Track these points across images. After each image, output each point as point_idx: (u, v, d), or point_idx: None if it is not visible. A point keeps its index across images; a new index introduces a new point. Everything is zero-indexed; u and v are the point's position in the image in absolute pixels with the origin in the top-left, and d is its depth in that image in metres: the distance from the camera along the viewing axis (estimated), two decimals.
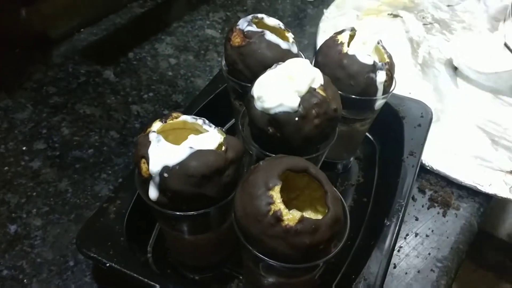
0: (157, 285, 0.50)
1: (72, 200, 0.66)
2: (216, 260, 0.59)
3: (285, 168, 0.43)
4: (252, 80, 0.55)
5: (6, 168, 0.70)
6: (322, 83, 0.53)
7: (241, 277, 0.59)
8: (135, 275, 0.51)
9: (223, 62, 0.65)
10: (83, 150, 0.74)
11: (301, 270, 0.46)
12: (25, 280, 0.57)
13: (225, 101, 0.70)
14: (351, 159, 0.75)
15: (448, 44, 1.00)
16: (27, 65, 0.88)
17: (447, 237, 0.66)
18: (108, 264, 0.52)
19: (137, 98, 0.83)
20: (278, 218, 0.40)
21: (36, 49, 0.92)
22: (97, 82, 0.86)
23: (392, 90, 0.63)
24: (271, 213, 0.40)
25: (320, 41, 0.98)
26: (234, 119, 0.73)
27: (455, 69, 0.93)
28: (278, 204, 0.41)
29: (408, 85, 0.88)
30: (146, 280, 0.50)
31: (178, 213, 0.46)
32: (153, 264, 0.58)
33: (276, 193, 0.41)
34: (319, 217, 0.42)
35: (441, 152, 0.76)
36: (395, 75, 0.63)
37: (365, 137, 0.76)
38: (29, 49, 0.91)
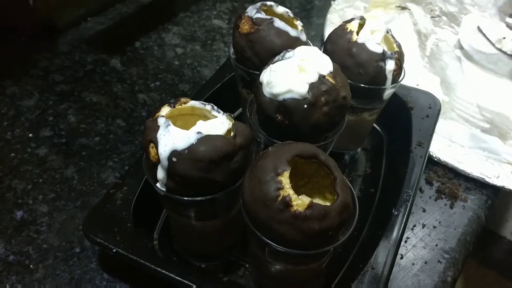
0: (163, 270, 0.50)
1: (78, 187, 0.66)
2: (222, 248, 0.59)
3: (294, 153, 0.43)
4: (261, 68, 0.55)
5: (12, 154, 0.70)
6: (332, 70, 0.52)
7: (247, 265, 0.58)
8: (141, 261, 0.51)
9: (231, 50, 0.64)
10: (89, 138, 0.73)
11: (308, 257, 0.45)
12: (31, 266, 0.57)
13: (232, 90, 0.69)
14: (359, 150, 0.74)
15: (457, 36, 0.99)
16: (33, 53, 0.88)
17: (454, 229, 0.66)
18: (114, 250, 0.51)
19: (144, 87, 0.83)
20: (287, 203, 0.40)
21: (43, 37, 0.92)
22: (103, 70, 0.86)
23: (401, 79, 0.63)
24: (280, 198, 0.40)
25: (327, 32, 0.97)
26: (241, 108, 0.73)
27: (462, 58, 0.92)
28: (287, 190, 0.41)
29: (415, 77, 0.87)
30: (152, 266, 0.50)
31: (186, 198, 0.46)
32: (159, 251, 0.58)
33: (285, 179, 0.41)
34: (328, 204, 0.42)
35: (448, 144, 0.75)
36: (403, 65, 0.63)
37: (373, 128, 0.75)
38: (36, 37, 0.91)
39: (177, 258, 0.59)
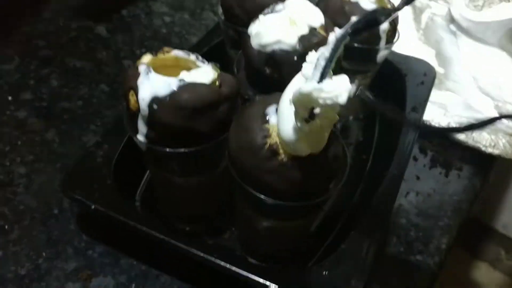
0: (145, 227, 0.47)
1: (58, 150, 0.64)
2: (207, 208, 0.56)
3: None
4: (248, 25, 0.52)
5: None
6: (323, 23, 0.50)
7: (233, 228, 0.56)
8: (121, 218, 0.48)
9: (220, 10, 0.62)
10: (71, 102, 0.70)
11: (296, 210, 0.43)
12: (6, 226, 0.54)
13: (221, 54, 0.67)
14: (350, 118, 0.72)
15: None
16: (15, 18, 0.84)
17: (449, 197, 0.64)
18: (93, 207, 0.49)
19: (129, 53, 0.80)
20: (274, 151, 0.38)
21: (26, 2, 0.88)
22: (88, 37, 0.83)
23: (396, 41, 0.61)
24: (267, 146, 0.38)
25: None
26: (229, 72, 0.70)
27: (457, 32, 0.90)
28: (275, 137, 0.38)
29: (410, 49, 0.85)
30: (132, 223, 0.48)
31: (167, 149, 0.44)
32: (141, 212, 0.56)
33: (272, 127, 0.39)
34: None
35: (443, 113, 0.73)
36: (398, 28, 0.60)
37: None
38: (18, 1, 0.88)
39: (160, 221, 0.56)
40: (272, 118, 0.39)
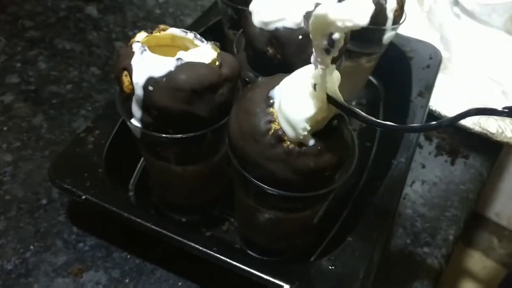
0: (139, 219, 0.44)
1: (46, 136, 0.60)
2: (205, 198, 0.53)
3: None
4: (249, 3, 0.49)
5: None
6: None
7: (232, 220, 0.53)
8: (114, 209, 0.45)
9: None
10: (60, 86, 0.67)
11: (300, 201, 0.40)
12: None
13: (218, 34, 0.63)
14: (354, 102, 0.69)
15: None
16: None
17: (456, 186, 0.62)
18: (84, 197, 0.46)
19: (122, 35, 0.77)
20: (279, 137, 0.34)
21: None
22: (78, 17, 0.79)
23: (403, 21, 0.58)
24: (271, 132, 0.35)
25: None
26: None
27: (460, 15, 0.87)
28: (280, 122, 0.35)
29: (414, 32, 0.82)
30: (126, 214, 0.45)
31: (164, 135, 0.40)
32: (135, 202, 0.52)
33: (277, 111, 0.36)
34: None
35: (449, 99, 0.70)
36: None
37: (369, 81, 0.70)
38: None
39: (155, 212, 0.53)
40: (276, 101, 0.35)
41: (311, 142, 0.34)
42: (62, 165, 0.48)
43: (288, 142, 0.35)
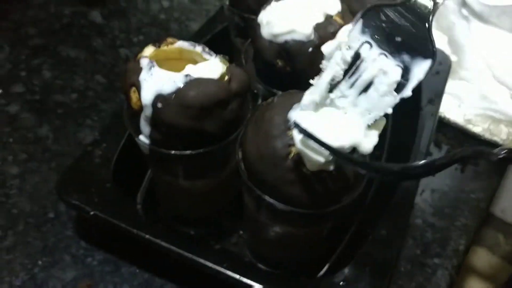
0: (148, 235, 0.44)
1: (53, 148, 0.60)
2: (214, 212, 0.53)
3: None
4: (257, 11, 0.48)
5: None
6: (340, 10, 0.46)
7: (241, 232, 0.53)
8: (122, 225, 0.45)
9: None
10: (66, 95, 0.66)
11: (312, 217, 0.40)
12: None
13: (225, 42, 0.63)
14: None
15: None
16: (4, 4, 0.80)
17: (466, 195, 0.61)
18: (92, 213, 0.45)
19: (126, 41, 0.76)
20: (298, 162, 0.34)
21: None
22: (82, 24, 0.78)
23: None
24: (291, 156, 0.35)
25: None
26: (234, 63, 0.66)
27: (469, 17, 0.86)
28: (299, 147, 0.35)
29: None
30: (135, 230, 0.44)
31: (173, 152, 0.40)
32: (143, 217, 0.52)
33: (297, 134, 0.35)
34: None
35: (458, 105, 0.70)
36: None
37: None
38: None
39: (163, 224, 0.53)
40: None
41: (331, 167, 0.34)
42: (70, 181, 0.48)
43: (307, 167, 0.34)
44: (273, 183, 0.35)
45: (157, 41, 0.42)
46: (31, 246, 0.50)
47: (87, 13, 0.80)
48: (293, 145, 0.34)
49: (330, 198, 0.36)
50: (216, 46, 0.63)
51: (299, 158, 0.34)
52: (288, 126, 0.35)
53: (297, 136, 0.34)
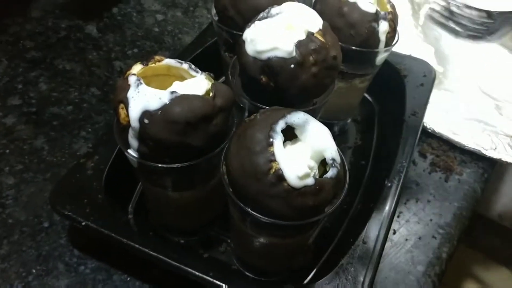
0: (138, 245, 0.46)
1: (48, 158, 0.62)
2: (202, 221, 0.55)
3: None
4: (244, 28, 0.50)
5: None
6: (321, 27, 0.48)
7: (229, 241, 0.54)
8: (113, 235, 0.46)
9: (213, 11, 0.59)
10: (61, 107, 0.68)
11: (297, 228, 0.42)
12: None
13: (215, 55, 0.65)
14: (348, 120, 0.70)
15: None
16: (3, 17, 0.82)
17: (450, 203, 0.62)
18: (84, 223, 0.47)
19: (121, 54, 0.78)
20: (280, 177, 0.36)
21: (14, 1, 0.85)
22: (78, 37, 0.80)
23: (395, 43, 0.59)
24: (272, 171, 0.36)
25: None
26: (224, 76, 0.68)
27: (456, 28, 0.88)
28: (281, 161, 0.36)
29: (408, 47, 0.83)
30: (125, 240, 0.46)
31: (160, 165, 0.42)
32: (134, 226, 0.54)
33: (277, 149, 0.37)
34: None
35: (443, 115, 0.71)
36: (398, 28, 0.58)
37: (363, 97, 0.71)
38: (5, 1, 0.85)
39: (153, 233, 0.54)
40: (276, 140, 0.37)
41: (310, 181, 0.36)
42: (63, 192, 0.50)
43: (288, 181, 0.36)
44: (256, 197, 0.37)
45: (146, 59, 0.44)
46: (26, 254, 0.52)
47: (83, 27, 0.82)
48: (274, 160, 0.36)
49: (312, 210, 0.38)
50: (207, 59, 0.66)
51: (281, 174, 0.36)
52: (269, 142, 0.37)
53: (278, 152, 0.36)
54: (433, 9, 0.93)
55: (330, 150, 0.39)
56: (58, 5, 0.86)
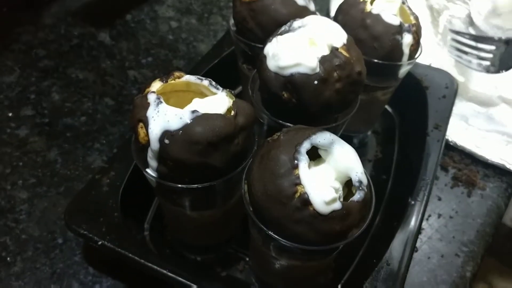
0: (155, 266, 0.44)
1: (61, 172, 0.60)
2: (220, 239, 0.53)
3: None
4: (264, 40, 0.49)
5: None
6: (345, 42, 0.46)
7: (247, 259, 0.53)
8: (130, 255, 0.45)
9: (231, 22, 0.58)
10: (74, 118, 0.67)
11: (322, 252, 0.40)
12: (8, 258, 0.52)
13: (232, 66, 0.63)
14: (369, 133, 0.69)
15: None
16: (15, 26, 0.81)
17: (473, 219, 0.61)
18: (100, 243, 0.46)
19: (135, 63, 0.77)
20: (305, 201, 0.35)
21: (26, 9, 0.84)
22: (91, 45, 0.79)
23: (419, 55, 0.57)
24: (297, 195, 0.35)
25: (334, 3, 0.90)
26: (241, 86, 0.67)
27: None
28: (306, 185, 0.35)
29: (428, 55, 0.81)
30: (142, 261, 0.45)
31: (180, 185, 0.40)
32: (151, 243, 0.52)
33: (303, 172, 0.35)
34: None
35: (465, 128, 0.69)
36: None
37: (384, 109, 0.69)
38: (18, 9, 0.84)
39: (170, 251, 0.53)
40: (301, 162, 0.35)
41: (337, 206, 0.34)
42: (78, 209, 0.49)
43: (314, 206, 0.35)
44: (279, 221, 0.36)
45: (165, 75, 0.42)
46: (40, 272, 0.51)
47: (96, 34, 0.81)
48: (299, 184, 0.35)
49: (338, 234, 0.36)
50: (224, 70, 0.65)
51: (306, 198, 0.34)
52: (294, 164, 0.35)
53: (303, 175, 0.35)
54: (453, 16, 0.91)
55: (357, 172, 0.38)
56: (70, 12, 0.85)
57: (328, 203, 0.35)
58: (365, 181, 0.38)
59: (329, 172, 0.38)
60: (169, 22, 0.86)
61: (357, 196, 0.36)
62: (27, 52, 0.77)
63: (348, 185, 0.39)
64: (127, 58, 0.78)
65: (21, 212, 0.56)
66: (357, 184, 0.37)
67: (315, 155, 0.39)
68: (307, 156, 0.36)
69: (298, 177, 0.35)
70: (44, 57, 0.76)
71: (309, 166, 0.37)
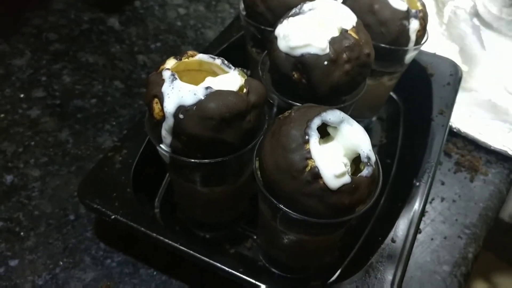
0: (166, 239, 0.46)
1: (73, 151, 0.62)
2: (229, 217, 0.55)
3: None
4: (274, 24, 0.50)
5: (2, 115, 0.65)
6: (355, 24, 0.47)
7: (255, 237, 0.54)
8: (142, 229, 0.46)
9: (241, 6, 0.59)
10: (85, 100, 0.68)
11: (331, 226, 0.41)
12: (21, 233, 0.53)
13: (240, 51, 0.64)
14: (374, 118, 0.70)
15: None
16: (26, 10, 0.82)
17: (475, 203, 0.62)
18: (113, 217, 0.47)
19: (144, 48, 0.78)
20: (316, 174, 0.36)
21: None
22: (101, 30, 0.80)
23: (425, 41, 0.58)
24: (308, 169, 0.36)
25: None
26: (249, 71, 0.68)
27: (480, 26, 0.87)
28: (317, 159, 0.36)
29: (433, 45, 0.82)
30: (154, 234, 0.46)
31: (193, 160, 0.41)
32: (161, 220, 0.54)
33: (313, 147, 0.36)
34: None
35: (468, 115, 0.71)
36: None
37: (389, 96, 0.70)
38: None
39: (180, 228, 0.54)
40: (312, 137, 0.37)
41: (347, 179, 0.35)
42: (91, 185, 0.50)
43: (324, 180, 0.36)
44: (290, 195, 0.37)
45: (178, 53, 0.43)
46: (53, 247, 0.52)
47: (105, 20, 0.82)
48: (310, 158, 0.36)
49: (347, 208, 0.37)
50: (232, 54, 0.66)
51: (317, 171, 0.35)
52: (305, 139, 0.37)
53: (314, 149, 0.36)
54: (457, 7, 0.92)
55: (366, 148, 0.39)
56: None
57: (338, 176, 0.36)
58: (373, 157, 0.39)
59: (338, 149, 0.40)
60: (177, 9, 0.87)
61: (366, 171, 0.38)
62: (37, 36, 0.78)
63: (356, 163, 0.40)
64: (136, 43, 0.79)
65: (33, 189, 0.57)
66: (365, 160, 0.38)
67: (324, 134, 0.40)
68: (317, 132, 0.37)
69: (309, 152, 0.36)
70: (55, 41, 0.77)
71: (319, 143, 0.39)
